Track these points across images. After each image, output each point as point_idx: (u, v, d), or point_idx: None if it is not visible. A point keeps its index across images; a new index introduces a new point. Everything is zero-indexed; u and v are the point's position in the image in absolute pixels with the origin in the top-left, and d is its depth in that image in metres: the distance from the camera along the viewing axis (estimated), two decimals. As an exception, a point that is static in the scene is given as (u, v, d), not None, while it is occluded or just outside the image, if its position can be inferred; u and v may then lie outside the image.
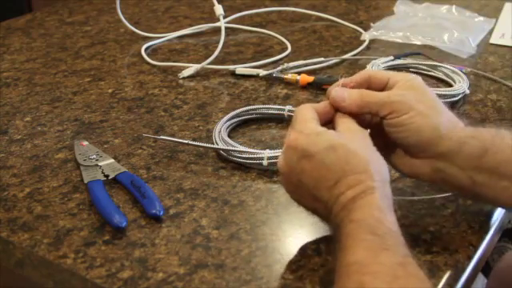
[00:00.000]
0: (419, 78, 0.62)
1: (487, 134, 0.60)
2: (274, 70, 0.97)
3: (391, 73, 0.64)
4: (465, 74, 0.94)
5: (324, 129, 0.58)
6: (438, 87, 0.94)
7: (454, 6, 1.26)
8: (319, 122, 0.60)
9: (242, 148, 0.74)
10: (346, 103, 0.60)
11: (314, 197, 0.57)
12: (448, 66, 0.96)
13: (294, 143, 0.57)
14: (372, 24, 1.19)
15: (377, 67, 0.94)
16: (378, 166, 0.56)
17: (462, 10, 1.25)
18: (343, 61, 1.05)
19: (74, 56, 1.08)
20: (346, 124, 0.59)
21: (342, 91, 0.61)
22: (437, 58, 1.03)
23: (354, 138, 0.57)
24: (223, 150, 0.75)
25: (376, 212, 0.52)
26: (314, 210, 0.59)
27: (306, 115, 0.59)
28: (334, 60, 1.03)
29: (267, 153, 0.72)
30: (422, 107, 0.59)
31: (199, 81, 0.98)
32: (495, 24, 1.21)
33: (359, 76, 0.63)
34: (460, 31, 1.14)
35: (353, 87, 0.62)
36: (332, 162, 0.55)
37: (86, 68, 1.03)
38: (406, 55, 1.03)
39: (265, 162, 0.72)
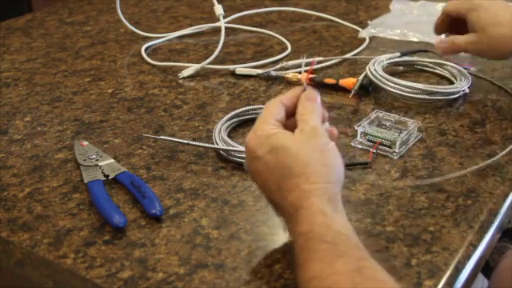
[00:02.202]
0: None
1: None
2: (271, 69, 0.97)
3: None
4: (471, 72, 0.94)
5: (278, 130, 0.58)
6: (438, 84, 0.94)
7: None
8: (285, 116, 0.60)
9: (241, 148, 0.74)
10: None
11: (270, 200, 0.58)
12: (454, 65, 0.96)
13: (247, 144, 0.58)
14: (369, 22, 1.19)
15: (380, 63, 0.94)
16: (320, 169, 0.55)
17: None
18: (344, 60, 1.05)
19: (74, 56, 1.08)
20: (302, 122, 0.58)
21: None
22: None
23: (301, 140, 0.56)
24: (223, 149, 0.75)
25: (319, 217, 0.52)
26: (278, 215, 0.60)
27: (268, 115, 0.59)
28: (334, 60, 1.03)
29: (267, 153, 0.72)
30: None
31: (199, 81, 0.98)
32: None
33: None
34: None
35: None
36: (274, 166, 0.56)
37: (86, 68, 1.03)
38: (413, 52, 1.02)
39: (265, 162, 0.72)
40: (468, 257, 0.61)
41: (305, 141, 0.56)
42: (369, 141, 0.77)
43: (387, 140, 0.76)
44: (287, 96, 0.61)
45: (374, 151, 0.76)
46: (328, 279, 0.48)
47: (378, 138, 0.76)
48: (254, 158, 0.57)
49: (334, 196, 0.54)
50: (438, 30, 0.95)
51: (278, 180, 0.55)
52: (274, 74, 0.97)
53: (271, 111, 0.59)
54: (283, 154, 0.55)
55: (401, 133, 0.77)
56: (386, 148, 0.76)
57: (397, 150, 0.76)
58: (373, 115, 0.81)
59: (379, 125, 0.80)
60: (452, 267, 0.59)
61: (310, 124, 0.57)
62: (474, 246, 0.62)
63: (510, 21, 0.85)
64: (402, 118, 0.80)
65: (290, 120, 0.60)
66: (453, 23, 0.92)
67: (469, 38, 0.88)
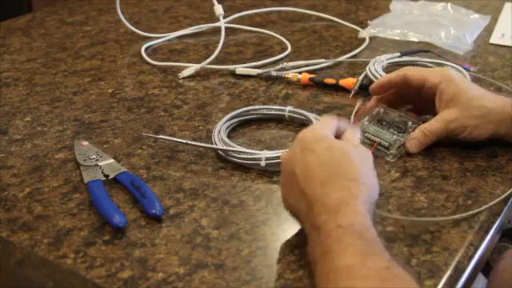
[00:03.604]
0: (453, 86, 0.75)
1: None
2: (271, 69, 0.97)
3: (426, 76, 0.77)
4: (470, 72, 0.94)
5: (333, 137, 0.61)
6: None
7: (449, 4, 1.26)
8: (334, 133, 0.63)
9: (240, 148, 0.74)
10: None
11: (301, 191, 0.58)
12: (454, 65, 0.95)
13: (302, 135, 0.61)
14: (369, 22, 1.19)
15: (380, 63, 0.94)
16: (367, 180, 0.58)
17: (457, 8, 1.26)
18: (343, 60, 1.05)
19: (74, 56, 1.08)
20: (353, 139, 0.63)
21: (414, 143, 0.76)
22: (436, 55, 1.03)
23: (355, 150, 0.60)
24: (222, 150, 0.75)
25: (362, 219, 0.54)
26: (297, 209, 0.60)
27: (325, 123, 0.63)
28: (333, 61, 1.03)
29: (265, 153, 0.72)
30: (473, 121, 0.73)
31: (199, 81, 0.98)
32: (490, 21, 1.21)
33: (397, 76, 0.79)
34: (456, 28, 1.14)
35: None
36: (326, 161, 0.58)
37: (86, 68, 1.03)
38: (413, 52, 1.02)
39: (263, 163, 0.72)
40: (468, 257, 0.61)
41: (360, 154, 0.60)
42: (367, 139, 0.77)
43: (385, 141, 0.76)
44: (341, 120, 0.65)
45: (374, 151, 0.76)
46: (359, 271, 0.50)
47: (377, 138, 0.76)
48: (307, 149, 0.59)
49: (371, 209, 0.57)
50: (382, 89, 0.81)
51: (326, 175, 0.57)
52: (274, 73, 0.97)
53: (328, 122, 0.64)
54: (341, 155, 0.58)
55: (399, 134, 0.77)
56: (384, 149, 0.76)
57: (393, 152, 0.75)
58: (374, 110, 0.80)
59: (380, 121, 0.79)
60: (452, 267, 0.59)
61: (363, 147, 0.62)
62: (474, 246, 0.62)
63: (491, 97, 0.75)
64: (404, 115, 0.79)
65: None
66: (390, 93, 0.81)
67: (448, 116, 0.74)
